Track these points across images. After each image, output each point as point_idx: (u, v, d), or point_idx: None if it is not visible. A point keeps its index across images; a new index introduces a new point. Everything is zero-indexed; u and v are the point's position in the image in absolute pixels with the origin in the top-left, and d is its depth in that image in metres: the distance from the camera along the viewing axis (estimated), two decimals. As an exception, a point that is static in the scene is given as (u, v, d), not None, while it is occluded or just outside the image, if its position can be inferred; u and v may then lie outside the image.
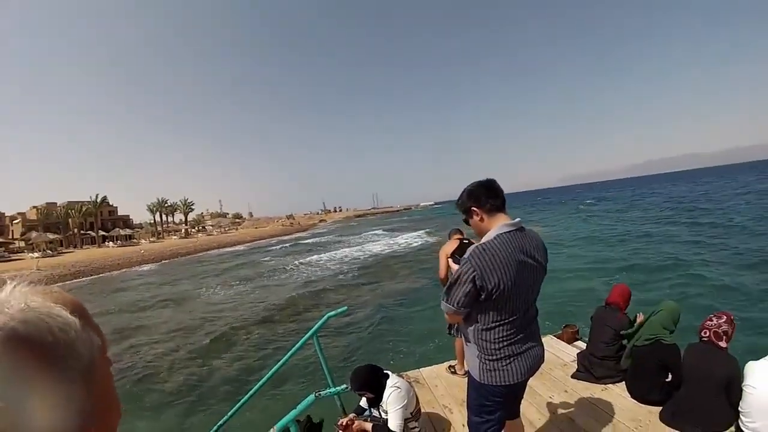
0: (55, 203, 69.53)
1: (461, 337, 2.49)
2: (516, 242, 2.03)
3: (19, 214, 68.99)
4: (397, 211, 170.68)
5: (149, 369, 11.03)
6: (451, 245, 4.20)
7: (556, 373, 4.46)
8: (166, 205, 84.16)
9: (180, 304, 20.67)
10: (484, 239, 2.08)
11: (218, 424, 4.79)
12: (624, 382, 3.90)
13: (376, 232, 59.03)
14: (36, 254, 48.57)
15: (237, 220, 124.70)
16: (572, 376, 4.33)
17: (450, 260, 2.41)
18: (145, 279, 33.21)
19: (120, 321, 17.89)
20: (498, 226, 2.07)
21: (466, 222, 2.25)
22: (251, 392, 4.58)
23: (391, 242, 40.31)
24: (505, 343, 2.08)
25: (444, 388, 4.54)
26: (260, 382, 4.59)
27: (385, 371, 3.43)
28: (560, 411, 3.76)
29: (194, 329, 14.78)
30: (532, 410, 3.79)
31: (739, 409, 2.83)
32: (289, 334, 12.47)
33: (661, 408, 3.43)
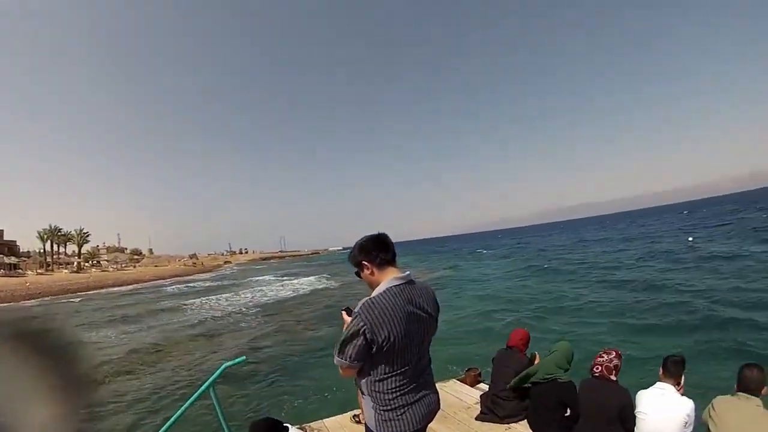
0: (-74, 220, 60.41)
1: None
2: (405, 295, 2.08)
3: None
4: (305, 255, 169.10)
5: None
6: None
7: (461, 416, 4.49)
8: (59, 233, 77.64)
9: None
10: (374, 293, 2.12)
11: None
12: (526, 420, 4.02)
13: (279, 275, 58.18)
14: None
15: (136, 257, 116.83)
16: (476, 418, 4.39)
17: (343, 313, 2.41)
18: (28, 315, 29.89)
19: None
20: (388, 279, 2.12)
21: (358, 275, 2.28)
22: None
23: (296, 285, 39.98)
24: (398, 393, 2.10)
25: (348, 438, 4.40)
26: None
27: (284, 424, 3.32)
28: (466, 453, 3.74)
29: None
30: (438, 454, 3.73)
31: None
32: (184, 384, 11.59)
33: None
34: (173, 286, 51.65)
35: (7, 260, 63.15)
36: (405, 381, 2.11)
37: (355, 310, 2.05)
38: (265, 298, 31.99)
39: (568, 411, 3.65)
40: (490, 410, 4.32)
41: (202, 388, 4.16)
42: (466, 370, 5.65)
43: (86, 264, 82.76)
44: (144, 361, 14.88)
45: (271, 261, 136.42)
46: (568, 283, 21.25)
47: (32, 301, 39.41)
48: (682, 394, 3.08)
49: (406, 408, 2.11)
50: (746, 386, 2.84)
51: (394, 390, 2.10)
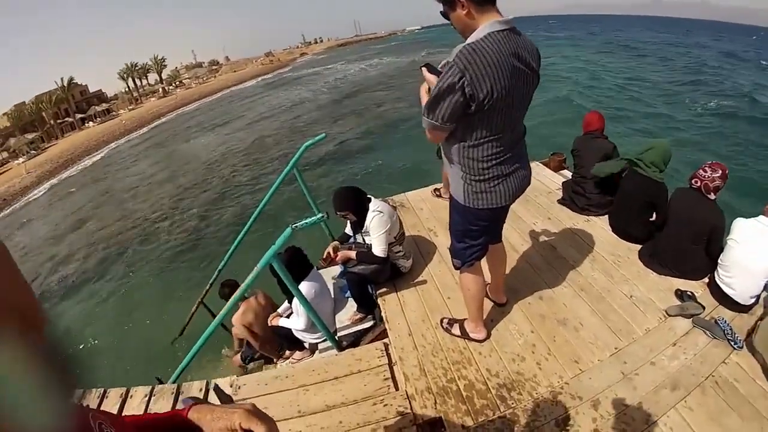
0: (24, 102, 64.26)
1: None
2: (510, 44, 1.68)
3: (-10, 127, 63.98)
4: (382, 37, 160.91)
5: (149, 230, 11.59)
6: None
7: (541, 200, 4.40)
8: (136, 68, 79.73)
9: (170, 158, 21.17)
10: (470, 39, 1.69)
11: (218, 268, 5.11)
12: (607, 216, 3.81)
13: (354, 60, 58.08)
14: (21, 159, 46.73)
15: (214, 68, 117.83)
16: (558, 202, 4.28)
17: (424, 69, 2.02)
18: (139, 146, 33.82)
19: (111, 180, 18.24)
20: (489, 23, 1.68)
21: (445, 16, 1.79)
22: (239, 238, 4.77)
23: (370, 68, 39.69)
24: (493, 162, 1.88)
25: (429, 211, 4.57)
26: (247, 225, 4.73)
27: (368, 195, 3.35)
28: (543, 238, 3.76)
29: (181, 181, 15.25)
30: (515, 235, 3.81)
31: (719, 261, 2.80)
32: (275, 169, 12.56)
33: (640, 246, 3.39)
34: (256, 85, 55.09)
35: (99, 109, 66.48)
36: (501, 149, 1.88)
37: (451, 58, 1.69)
38: (341, 84, 32.15)
39: (654, 216, 3.35)
40: (571, 199, 4.12)
41: (287, 168, 4.41)
42: (551, 154, 5.39)
43: (170, 87, 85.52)
44: (240, 154, 16.16)
45: (351, 45, 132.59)
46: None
47: (130, 135, 42.70)
48: None
49: (499, 180, 1.95)
50: None
51: (488, 158, 1.88)
